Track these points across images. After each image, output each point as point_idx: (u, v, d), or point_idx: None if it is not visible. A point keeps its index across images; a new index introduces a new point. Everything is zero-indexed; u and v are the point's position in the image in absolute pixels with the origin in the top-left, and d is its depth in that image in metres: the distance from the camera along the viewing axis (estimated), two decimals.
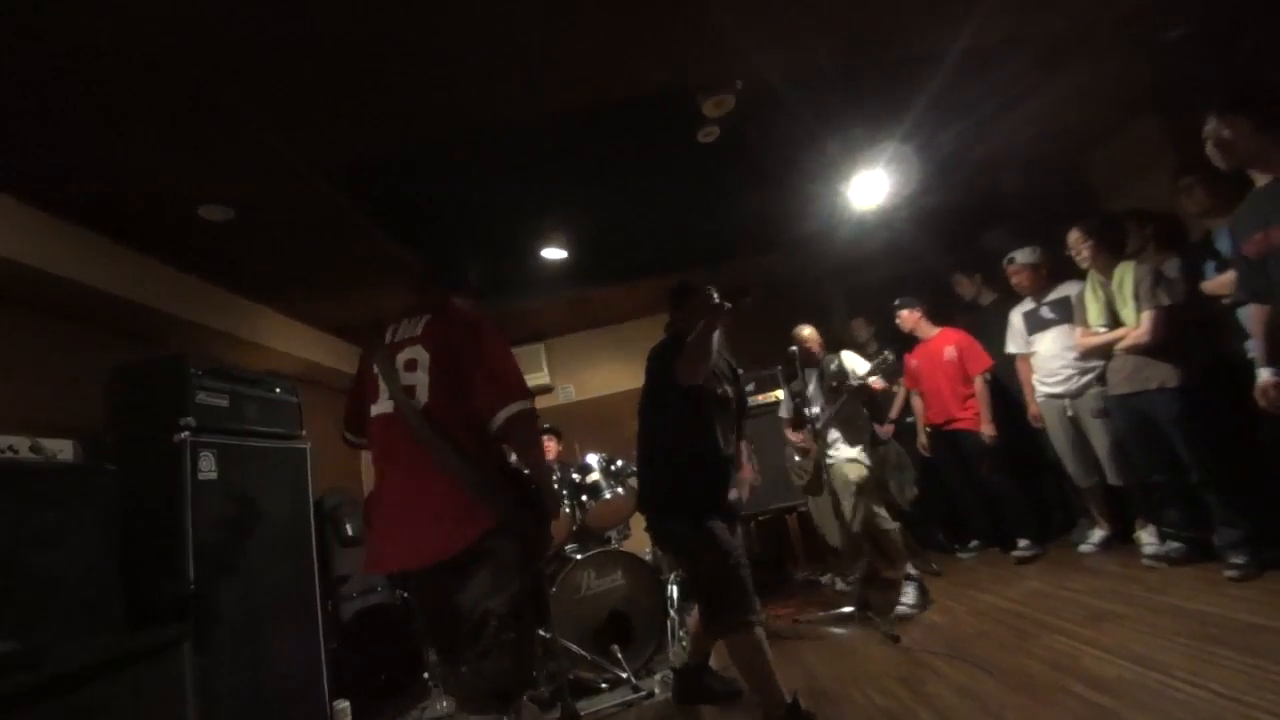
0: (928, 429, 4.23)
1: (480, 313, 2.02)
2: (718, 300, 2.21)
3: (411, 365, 1.84)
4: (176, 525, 2.32)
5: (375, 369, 1.89)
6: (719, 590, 2.12)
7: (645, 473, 2.45)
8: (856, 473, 3.31)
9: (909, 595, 3.16)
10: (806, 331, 3.66)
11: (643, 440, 2.42)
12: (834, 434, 3.42)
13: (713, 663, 2.64)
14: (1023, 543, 3.72)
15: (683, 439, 2.26)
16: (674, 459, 2.29)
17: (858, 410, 3.52)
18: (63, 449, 2.24)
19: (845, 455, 3.37)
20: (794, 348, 3.48)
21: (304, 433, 3.13)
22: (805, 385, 3.44)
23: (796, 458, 3.63)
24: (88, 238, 2.74)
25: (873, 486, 3.35)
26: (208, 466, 2.50)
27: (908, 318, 4.23)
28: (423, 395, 1.80)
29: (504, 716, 1.71)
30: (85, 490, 2.11)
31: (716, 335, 2.20)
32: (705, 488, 2.25)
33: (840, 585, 3.92)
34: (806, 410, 3.36)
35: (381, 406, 1.84)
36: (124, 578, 2.12)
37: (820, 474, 3.31)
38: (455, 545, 1.68)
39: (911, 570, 3.23)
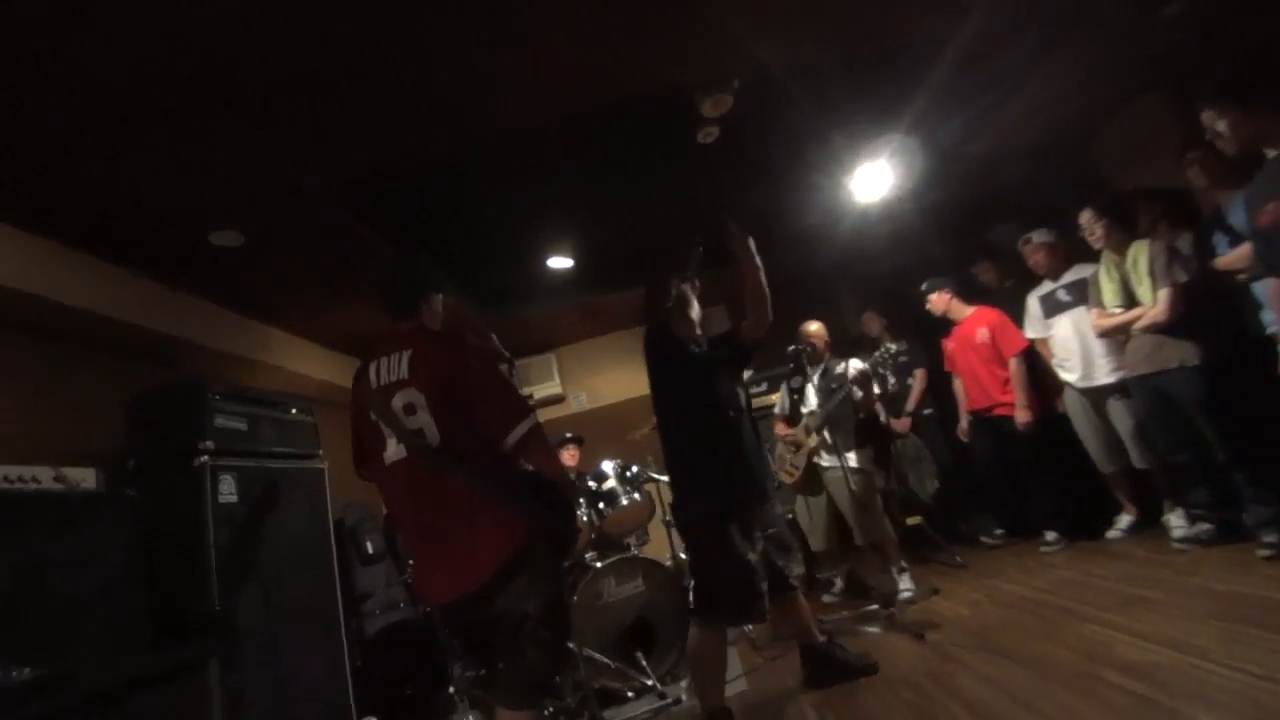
0: (970, 415, 4.03)
1: (455, 331, 2.02)
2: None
3: (411, 409, 1.82)
4: (199, 547, 2.35)
5: (374, 416, 1.86)
6: (721, 594, 2.23)
7: (670, 464, 2.39)
8: (859, 484, 3.29)
9: (906, 581, 3.30)
10: (814, 327, 3.56)
11: (663, 435, 2.39)
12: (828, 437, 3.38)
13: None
14: (1050, 535, 3.64)
15: (692, 407, 2.28)
16: (687, 432, 2.30)
17: (847, 412, 3.44)
18: (85, 477, 2.28)
19: (851, 464, 3.30)
20: (796, 346, 3.37)
21: (320, 452, 3.15)
22: (805, 382, 3.38)
23: (786, 455, 3.57)
24: (100, 266, 2.78)
25: (875, 496, 3.39)
26: (228, 489, 2.53)
27: (937, 300, 4.03)
28: (433, 435, 1.80)
29: (537, 708, 1.84)
30: (108, 517, 2.14)
31: (695, 311, 2.42)
32: (725, 456, 2.24)
33: (826, 597, 3.77)
34: (802, 407, 3.36)
35: (395, 453, 1.83)
36: (150, 600, 2.15)
37: (812, 473, 3.30)
38: (497, 563, 1.74)
39: (902, 562, 3.37)
